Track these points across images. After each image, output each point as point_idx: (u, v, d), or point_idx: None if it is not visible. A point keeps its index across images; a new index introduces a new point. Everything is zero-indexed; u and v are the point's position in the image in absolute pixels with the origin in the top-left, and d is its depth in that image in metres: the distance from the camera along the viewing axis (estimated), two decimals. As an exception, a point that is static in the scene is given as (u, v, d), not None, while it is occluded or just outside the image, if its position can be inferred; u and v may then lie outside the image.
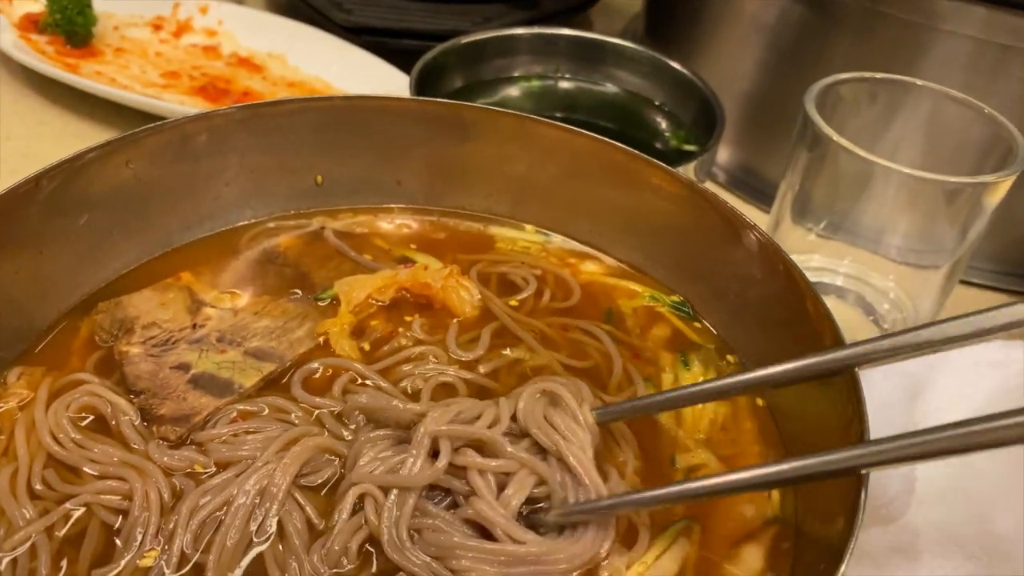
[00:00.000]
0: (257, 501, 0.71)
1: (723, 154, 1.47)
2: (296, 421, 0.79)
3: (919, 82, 1.07)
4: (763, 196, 1.43)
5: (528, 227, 1.07)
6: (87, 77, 1.41)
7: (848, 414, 0.71)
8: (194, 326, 0.89)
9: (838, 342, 0.77)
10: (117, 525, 0.70)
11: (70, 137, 1.40)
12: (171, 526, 0.69)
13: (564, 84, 1.41)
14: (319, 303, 0.93)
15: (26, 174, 0.83)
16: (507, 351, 0.88)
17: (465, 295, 0.93)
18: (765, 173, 1.46)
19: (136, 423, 0.78)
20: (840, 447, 0.68)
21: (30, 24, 1.51)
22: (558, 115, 1.35)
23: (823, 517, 0.72)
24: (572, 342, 0.91)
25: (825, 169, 1.06)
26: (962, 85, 1.10)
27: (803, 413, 0.83)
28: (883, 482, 0.80)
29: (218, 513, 0.70)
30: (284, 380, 0.84)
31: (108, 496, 0.71)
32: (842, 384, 0.73)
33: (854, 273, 1.18)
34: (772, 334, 0.89)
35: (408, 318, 0.92)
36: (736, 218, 0.90)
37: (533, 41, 1.39)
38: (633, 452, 0.79)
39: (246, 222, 1.00)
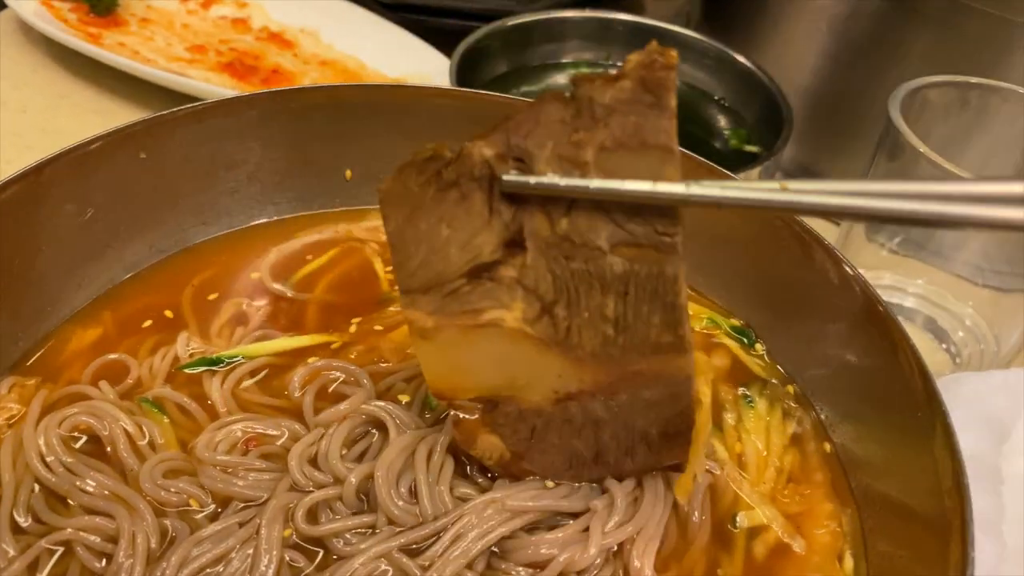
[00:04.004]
0: (254, 563, 0.63)
1: (783, 154, 1.36)
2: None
3: (1020, 89, 0.96)
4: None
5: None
6: (110, 48, 1.33)
7: (947, 470, 0.62)
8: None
9: (925, 382, 0.67)
10: (99, 571, 0.63)
11: (90, 112, 1.32)
12: (158, 575, 0.61)
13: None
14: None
15: (43, 150, 0.75)
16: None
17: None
18: (829, 175, 1.35)
19: (138, 443, 0.71)
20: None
21: (53, -10, 1.43)
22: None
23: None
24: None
25: (907, 180, 0.96)
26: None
27: (881, 466, 0.73)
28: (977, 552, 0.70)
29: (209, 570, 0.62)
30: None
31: (92, 536, 0.64)
32: (935, 434, 0.64)
33: (927, 295, 1.08)
34: (843, 368, 0.79)
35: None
36: (810, 237, 0.79)
37: (585, 25, 1.28)
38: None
39: (267, 220, 0.92)
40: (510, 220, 0.58)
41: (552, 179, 0.56)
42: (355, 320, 0.84)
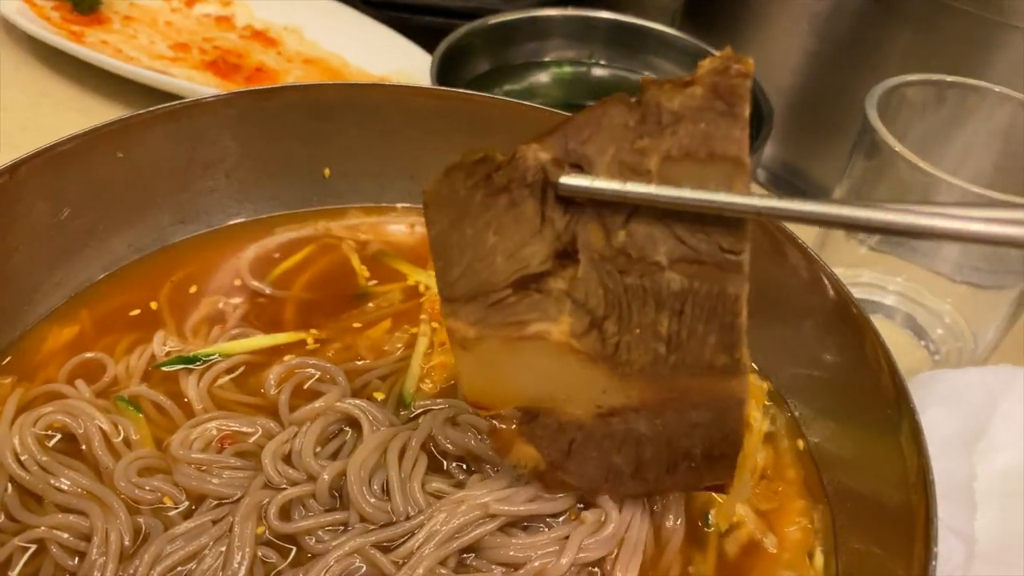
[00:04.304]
0: (226, 560, 0.63)
1: (765, 151, 1.36)
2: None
3: (996, 88, 0.96)
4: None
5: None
6: (92, 47, 1.33)
7: (914, 467, 0.62)
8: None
9: (895, 380, 0.68)
10: (72, 568, 0.63)
11: (73, 111, 1.32)
12: (131, 572, 0.62)
13: (598, 71, 1.31)
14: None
15: (24, 148, 0.75)
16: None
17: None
18: (811, 173, 1.35)
19: (113, 441, 0.71)
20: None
21: (36, -12, 1.43)
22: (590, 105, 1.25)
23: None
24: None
25: (884, 179, 0.96)
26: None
27: (853, 463, 0.74)
28: (945, 549, 0.71)
29: (181, 568, 0.63)
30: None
31: (65, 534, 0.64)
32: (903, 432, 0.65)
33: (906, 292, 1.08)
34: (818, 367, 0.79)
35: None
36: (783, 235, 0.80)
37: (567, 23, 1.28)
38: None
39: (245, 219, 0.92)
40: (562, 230, 0.55)
41: (615, 184, 0.52)
42: (332, 317, 0.84)
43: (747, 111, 0.50)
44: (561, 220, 0.55)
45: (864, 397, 0.71)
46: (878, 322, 0.73)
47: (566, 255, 0.56)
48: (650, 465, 0.63)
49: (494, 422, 0.63)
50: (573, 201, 0.54)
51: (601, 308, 0.57)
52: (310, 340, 0.82)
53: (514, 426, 0.63)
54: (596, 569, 0.66)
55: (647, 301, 0.56)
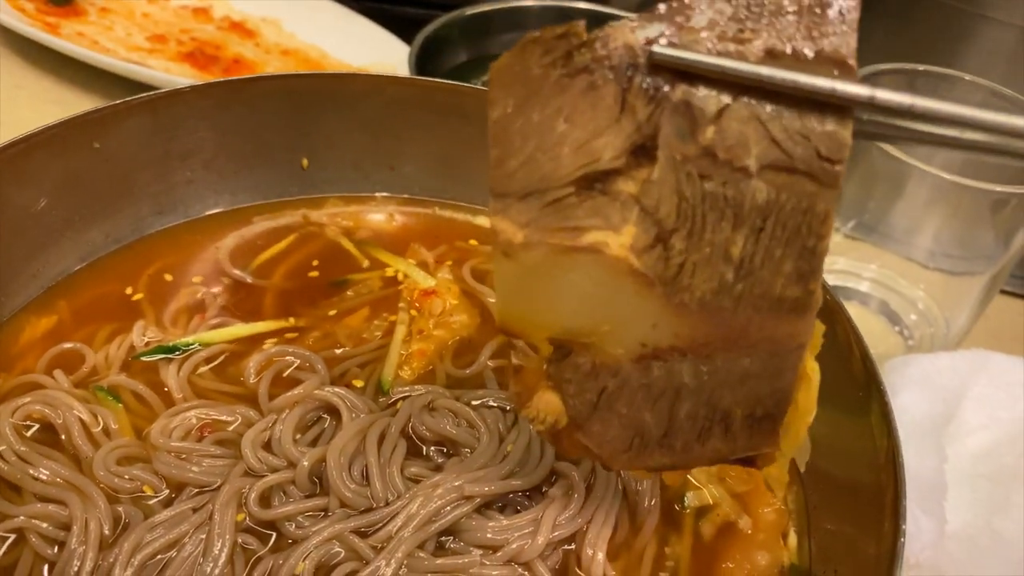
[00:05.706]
0: (207, 547, 0.63)
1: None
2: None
3: (967, 77, 0.98)
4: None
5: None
6: (68, 38, 1.32)
7: (884, 448, 0.64)
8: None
9: (866, 363, 0.69)
10: (52, 557, 0.63)
11: (49, 103, 1.31)
12: (111, 560, 0.62)
13: (576, 62, 1.31)
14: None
15: None
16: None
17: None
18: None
19: (92, 431, 0.71)
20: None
21: (11, -21, 1.42)
22: None
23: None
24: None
25: (858, 167, 0.98)
26: (1003, 78, 1.01)
27: (826, 445, 0.74)
28: (915, 528, 0.72)
29: (161, 556, 0.63)
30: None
31: (44, 523, 0.64)
32: (873, 414, 0.66)
33: (880, 279, 1.10)
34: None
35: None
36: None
37: (545, 15, 1.29)
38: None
39: (223, 209, 0.92)
40: (644, 121, 0.49)
41: (717, 59, 0.47)
42: (311, 305, 0.85)
43: (857, 13, 0.48)
44: (644, 109, 0.49)
45: (836, 381, 0.72)
46: (853, 308, 0.74)
47: (643, 152, 0.50)
48: (682, 428, 0.56)
49: (519, 362, 0.59)
50: (660, 89, 0.49)
51: (672, 219, 0.50)
52: (293, 326, 0.83)
53: (541, 365, 0.57)
54: (571, 546, 0.67)
55: (725, 214, 0.50)
